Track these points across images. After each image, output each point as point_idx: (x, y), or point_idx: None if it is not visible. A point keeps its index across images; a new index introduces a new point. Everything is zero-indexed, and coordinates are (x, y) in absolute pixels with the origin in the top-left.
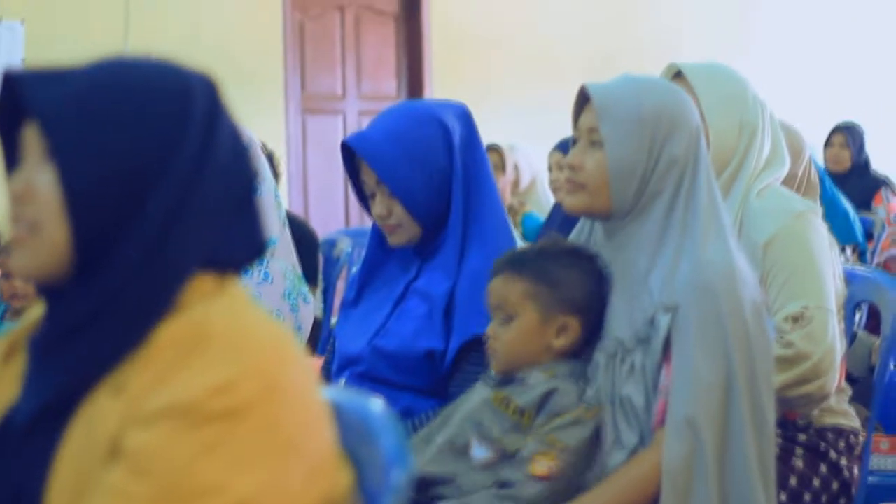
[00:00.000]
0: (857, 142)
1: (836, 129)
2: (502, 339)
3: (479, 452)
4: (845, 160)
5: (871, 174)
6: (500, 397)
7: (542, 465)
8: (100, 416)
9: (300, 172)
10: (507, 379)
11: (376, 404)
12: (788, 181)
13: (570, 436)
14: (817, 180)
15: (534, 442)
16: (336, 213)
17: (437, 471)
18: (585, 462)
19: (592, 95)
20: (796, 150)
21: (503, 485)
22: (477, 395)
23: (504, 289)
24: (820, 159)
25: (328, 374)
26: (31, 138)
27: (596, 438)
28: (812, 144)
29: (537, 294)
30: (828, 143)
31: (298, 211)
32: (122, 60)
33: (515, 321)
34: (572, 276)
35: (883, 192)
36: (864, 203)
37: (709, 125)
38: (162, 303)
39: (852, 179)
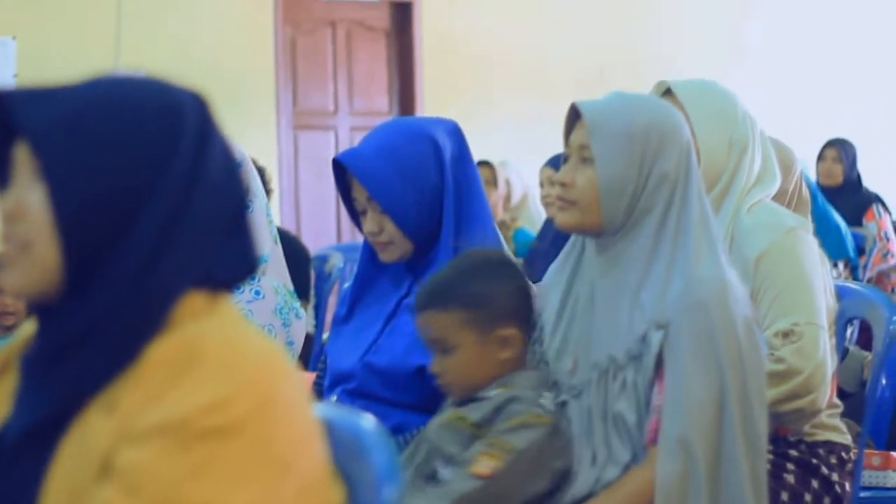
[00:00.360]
0: (850, 156)
1: (829, 144)
2: (450, 372)
3: (447, 474)
4: (838, 174)
5: (864, 190)
6: (457, 415)
7: (484, 465)
8: (91, 433)
9: (292, 188)
10: (469, 398)
11: (368, 421)
12: (779, 197)
13: (518, 438)
14: (808, 196)
15: (480, 444)
16: (328, 228)
17: (411, 498)
18: (537, 468)
19: (583, 112)
20: (787, 165)
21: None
22: (439, 418)
23: (435, 324)
24: (812, 174)
25: (320, 390)
26: (22, 157)
27: (554, 446)
28: (805, 159)
29: (468, 319)
30: (820, 158)
31: (290, 226)
32: (112, 79)
33: (456, 351)
34: (494, 287)
35: (875, 207)
36: (855, 218)
37: (699, 142)
38: (153, 321)
39: (845, 194)
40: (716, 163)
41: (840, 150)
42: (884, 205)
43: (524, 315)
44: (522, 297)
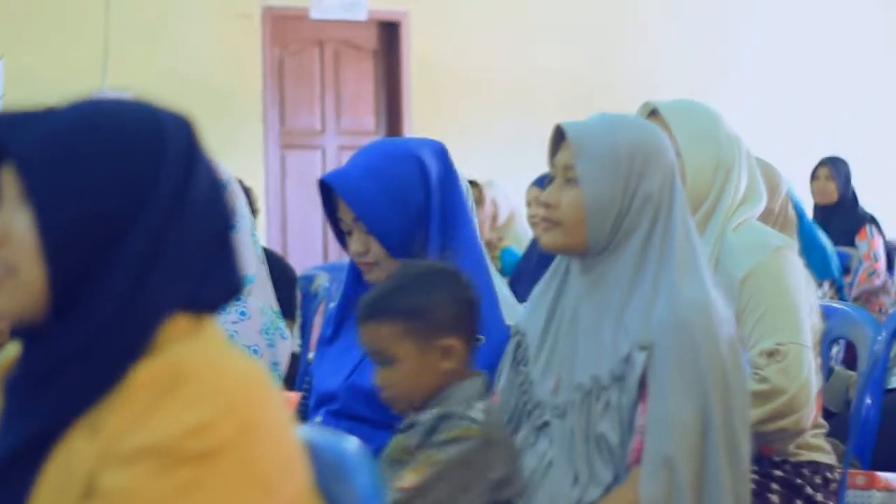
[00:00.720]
0: (843, 174)
1: (821, 163)
2: (392, 385)
3: None
4: (832, 192)
5: (860, 210)
6: (398, 444)
7: (407, 479)
8: (75, 456)
9: (279, 207)
10: (410, 423)
11: (351, 443)
12: (765, 216)
13: (444, 452)
14: (794, 215)
15: (412, 462)
16: (315, 248)
17: None
18: (467, 480)
19: (568, 133)
20: (773, 185)
21: None
22: (386, 450)
23: (374, 336)
24: (801, 194)
25: (305, 411)
26: (8, 180)
27: (487, 456)
28: (790, 178)
29: (407, 330)
30: (814, 177)
31: (277, 246)
32: (97, 101)
33: (397, 363)
34: (434, 298)
35: (868, 227)
36: (848, 237)
37: (685, 162)
38: (138, 344)
39: (840, 212)
40: (702, 183)
41: (832, 168)
42: (878, 226)
43: (466, 325)
44: (464, 308)
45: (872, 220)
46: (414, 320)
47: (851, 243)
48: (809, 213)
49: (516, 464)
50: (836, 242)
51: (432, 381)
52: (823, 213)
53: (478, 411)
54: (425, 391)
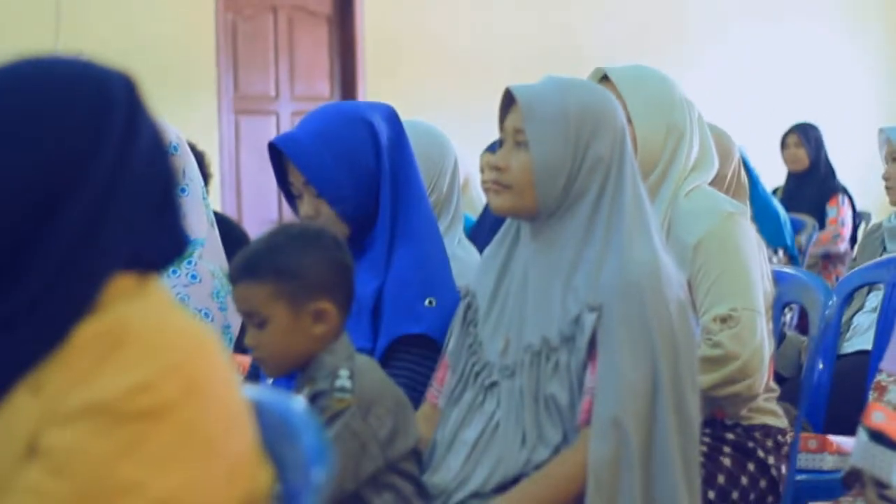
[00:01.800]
0: (812, 139)
1: (790, 130)
2: (263, 346)
3: None
4: (803, 158)
5: (836, 181)
6: None
7: None
8: (18, 415)
9: (233, 173)
10: None
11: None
12: (717, 182)
13: (329, 431)
14: (746, 182)
15: None
16: (269, 213)
17: None
18: (356, 448)
19: (517, 96)
20: (725, 151)
21: None
22: None
23: (247, 296)
24: (773, 165)
25: (257, 373)
26: None
27: (368, 419)
28: (742, 146)
29: (280, 292)
30: (783, 145)
31: (231, 211)
32: (38, 60)
33: (269, 324)
34: (308, 260)
35: (840, 196)
36: (821, 204)
37: (636, 127)
38: (82, 303)
39: (813, 179)
40: (653, 148)
41: (800, 134)
42: (850, 197)
43: (340, 290)
44: (339, 272)
45: (845, 191)
46: (286, 282)
47: (823, 210)
48: (783, 180)
49: (401, 412)
50: (808, 210)
51: (304, 344)
52: (797, 181)
53: (344, 379)
54: (296, 355)
